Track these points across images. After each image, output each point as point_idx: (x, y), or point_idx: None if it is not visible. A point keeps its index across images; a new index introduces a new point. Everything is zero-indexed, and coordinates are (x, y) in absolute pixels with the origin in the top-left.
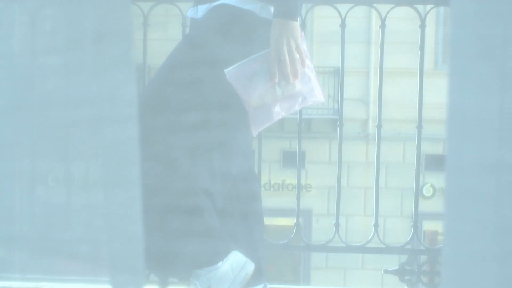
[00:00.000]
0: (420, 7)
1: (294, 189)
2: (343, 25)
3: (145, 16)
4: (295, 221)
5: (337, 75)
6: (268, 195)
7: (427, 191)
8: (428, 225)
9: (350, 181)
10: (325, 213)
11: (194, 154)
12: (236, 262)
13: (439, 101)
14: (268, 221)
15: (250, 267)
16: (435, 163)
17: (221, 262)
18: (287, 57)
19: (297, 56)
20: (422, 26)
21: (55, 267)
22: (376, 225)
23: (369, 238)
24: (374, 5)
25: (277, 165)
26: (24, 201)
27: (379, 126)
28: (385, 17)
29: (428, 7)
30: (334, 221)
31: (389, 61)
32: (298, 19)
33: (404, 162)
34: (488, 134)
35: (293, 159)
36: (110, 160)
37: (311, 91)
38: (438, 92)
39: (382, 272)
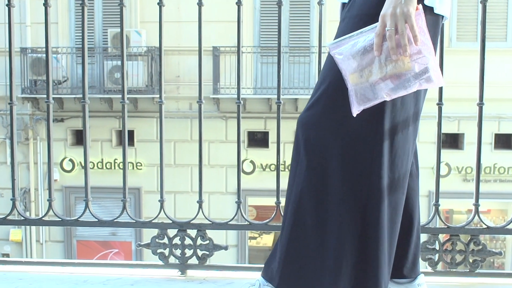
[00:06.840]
0: None
1: None
2: None
3: None
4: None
5: None
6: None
7: (441, 169)
8: (443, 204)
9: None
10: None
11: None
12: None
13: (454, 79)
14: None
15: None
16: (449, 141)
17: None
18: (393, 28)
19: (407, 29)
20: (484, 1)
21: None
22: None
23: None
24: None
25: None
26: None
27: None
28: None
29: None
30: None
31: None
32: None
33: (418, 140)
34: None
35: None
36: None
37: (424, 73)
38: (452, 70)
39: None
